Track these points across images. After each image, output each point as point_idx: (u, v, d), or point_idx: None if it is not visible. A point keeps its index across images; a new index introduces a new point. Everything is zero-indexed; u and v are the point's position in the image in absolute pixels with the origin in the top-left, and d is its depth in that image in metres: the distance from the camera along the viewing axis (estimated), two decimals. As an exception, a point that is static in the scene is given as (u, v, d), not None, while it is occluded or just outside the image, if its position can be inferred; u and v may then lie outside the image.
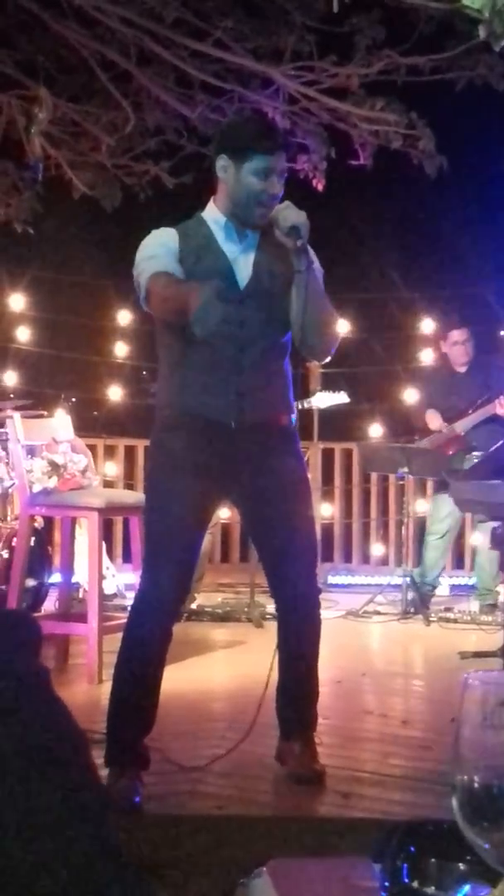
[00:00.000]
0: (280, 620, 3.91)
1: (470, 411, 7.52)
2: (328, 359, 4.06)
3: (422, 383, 8.17)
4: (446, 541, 7.72)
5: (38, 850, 1.08)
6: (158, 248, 3.67)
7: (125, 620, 3.85)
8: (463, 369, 7.75)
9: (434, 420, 7.66)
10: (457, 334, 7.74)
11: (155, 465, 3.83)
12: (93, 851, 1.13)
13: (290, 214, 3.60)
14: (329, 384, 9.75)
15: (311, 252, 3.70)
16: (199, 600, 7.46)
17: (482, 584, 7.65)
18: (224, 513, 8.37)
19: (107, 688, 4.92)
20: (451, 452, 7.48)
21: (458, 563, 8.80)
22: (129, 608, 3.79)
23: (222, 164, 3.70)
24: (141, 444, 7.33)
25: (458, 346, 7.71)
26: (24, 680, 1.21)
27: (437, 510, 7.64)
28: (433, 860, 1.16)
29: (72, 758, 1.19)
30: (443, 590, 8.14)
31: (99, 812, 1.19)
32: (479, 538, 7.72)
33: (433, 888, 1.15)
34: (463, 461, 7.27)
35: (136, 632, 3.72)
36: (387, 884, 1.17)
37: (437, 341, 8.28)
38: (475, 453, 7.29)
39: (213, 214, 3.78)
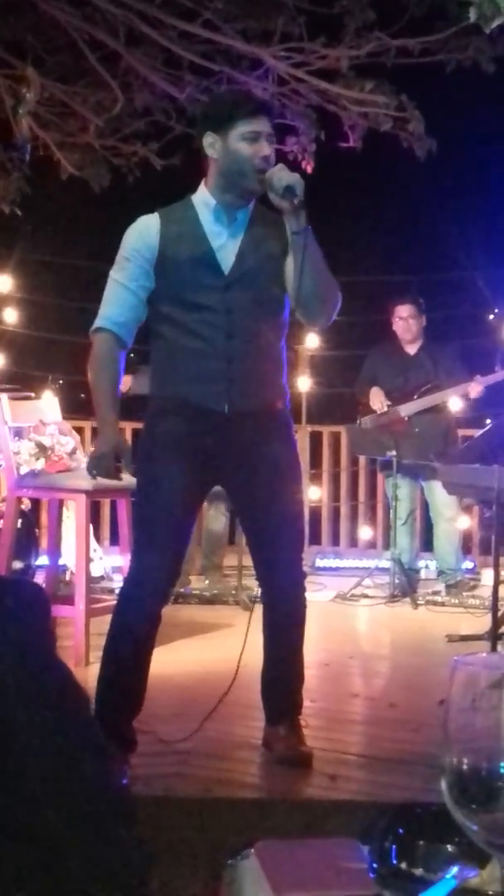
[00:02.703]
0: (265, 605, 3.92)
1: (416, 396, 7.49)
2: (328, 324, 4.08)
3: (371, 358, 8.02)
4: (409, 524, 7.74)
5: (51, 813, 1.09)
6: (132, 252, 3.73)
7: (113, 603, 3.85)
8: (413, 350, 7.71)
9: (376, 398, 7.61)
10: (401, 309, 7.68)
11: (145, 450, 3.80)
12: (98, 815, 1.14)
13: (284, 175, 3.59)
14: (317, 367, 9.76)
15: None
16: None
17: (443, 564, 7.65)
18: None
19: (94, 670, 4.93)
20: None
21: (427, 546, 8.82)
22: (117, 590, 3.79)
23: (209, 141, 3.69)
24: (129, 427, 7.31)
25: (401, 322, 7.67)
26: (37, 644, 1.22)
27: (396, 500, 7.54)
28: (421, 842, 1.16)
29: (77, 717, 1.19)
30: (430, 573, 8.15)
31: (105, 773, 1.20)
32: (437, 518, 7.68)
33: (421, 870, 1.15)
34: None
35: (125, 616, 3.73)
36: (375, 865, 1.17)
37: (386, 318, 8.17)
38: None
39: (202, 197, 3.77)
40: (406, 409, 7.48)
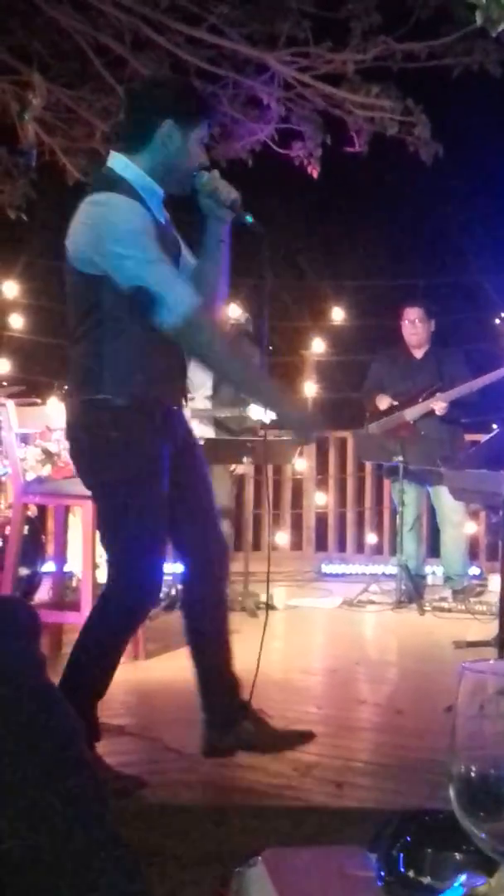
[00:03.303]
0: (188, 605, 3.88)
1: (420, 399, 7.46)
2: None
3: (377, 362, 7.97)
4: (416, 531, 7.72)
5: (29, 839, 1.07)
6: (145, 227, 3.44)
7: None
8: (419, 354, 7.69)
9: (383, 401, 7.61)
10: (409, 312, 7.65)
11: (133, 460, 3.54)
12: (85, 840, 1.12)
13: (231, 189, 3.57)
14: (323, 372, 9.77)
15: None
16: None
17: (449, 569, 7.65)
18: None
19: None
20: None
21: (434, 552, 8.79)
22: (118, 584, 3.68)
23: (166, 130, 3.48)
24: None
25: (408, 325, 7.65)
26: (16, 668, 1.19)
27: (404, 505, 7.53)
28: (429, 850, 1.16)
29: (63, 747, 1.16)
30: (437, 579, 8.13)
31: (91, 801, 1.17)
32: (443, 524, 7.68)
33: (429, 878, 1.15)
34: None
35: (130, 617, 3.70)
36: (382, 873, 1.16)
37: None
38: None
39: (145, 183, 3.51)
40: (411, 414, 7.45)
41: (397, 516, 7.69)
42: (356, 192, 11.56)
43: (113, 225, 3.41)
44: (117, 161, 3.53)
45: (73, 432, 3.65)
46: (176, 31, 7.60)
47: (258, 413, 7.78)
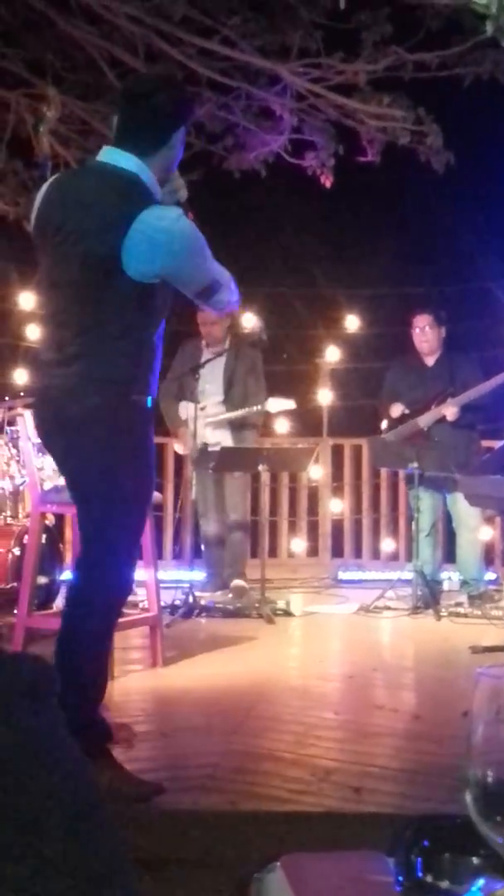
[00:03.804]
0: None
1: (433, 406, 7.45)
2: None
3: (391, 371, 7.98)
4: (433, 536, 7.73)
5: None
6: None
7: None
8: (431, 361, 7.69)
9: (396, 409, 7.62)
10: (419, 319, 7.65)
11: (136, 451, 3.59)
12: None
13: (184, 185, 3.72)
14: (338, 380, 9.78)
15: None
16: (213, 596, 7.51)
17: (466, 575, 7.64)
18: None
19: (118, 684, 4.96)
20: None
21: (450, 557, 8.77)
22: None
23: (180, 136, 3.60)
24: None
25: (418, 332, 7.64)
26: (45, 744, 1.15)
27: (419, 511, 7.54)
28: (447, 854, 1.17)
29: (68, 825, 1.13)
30: (453, 585, 8.13)
31: (119, 864, 1.15)
32: (460, 528, 7.68)
33: (447, 882, 1.16)
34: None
35: (113, 612, 3.69)
36: (401, 878, 1.18)
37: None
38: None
39: (153, 186, 3.58)
40: (424, 421, 7.44)
41: (413, 522, 7.70)
42: (369, 200, 11.56)
43: (193, 241, 3.52)
44: (132, 162, 3.53)
45: (86, 426, 3.56)
46: (189, 44, 7.63)
47: (276, 405, 7.82)
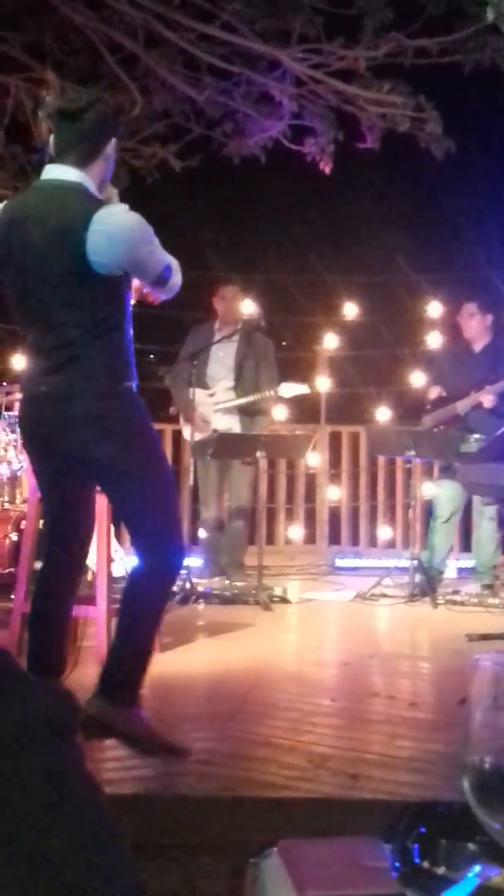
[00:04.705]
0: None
1: (472, 392, 7.44)
2: None
3: (438, 356, 8.03)
4: (451, 524, 7.72)
5: None
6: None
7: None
8: (478, 348, 7.66)
9: (433, 392, 7.63)
10: (465, 307, 7.67)
11: (152, 433, 3.98)
12: None
13: (117, 195, 4.03)
14: (336, 368, 9.76)
15: None
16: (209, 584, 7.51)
17: (481, 564, 7.65)
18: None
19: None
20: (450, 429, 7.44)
21: (466, 546, 8.76)
22: (160, 564, 3.90)
23: (111, 147, 3.90)
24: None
25: (463, 320, 7.65)
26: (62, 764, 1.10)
27: (441, 494, 7.64)
28: (444, 841, 1.16)
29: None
30: (450, 572, 8.14)
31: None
32: (479, 517, 7.70)
33: (444, 868, 1.15)
34: (460, 444, 7.26)
35: (172, 581, 4.15)
36: (397, 864, 1.17)
37: (447, 317, 8.12)
38: (474, 436, 7.25)
39: (98, 196, 3.90)
40: (462, 406, 7.42)
41: (409, 510, 7.69)
42: (368, 186, 11.55)
43: (145, 229, 3.82)
44: (74, 174, 3.83)
45: (100, 421, 3.80)
46: (189, 28, 7.60)
47: (289, 390, 7.81)
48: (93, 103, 3.86)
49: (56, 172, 3.85)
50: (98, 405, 3.78)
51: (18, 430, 5.95)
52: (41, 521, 6.06)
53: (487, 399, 7.27)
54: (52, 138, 3.87)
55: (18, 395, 6.01)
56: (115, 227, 3.72)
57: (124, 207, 3.84)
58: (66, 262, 3.71)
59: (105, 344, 3.79)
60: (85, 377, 3.77)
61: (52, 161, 3.87)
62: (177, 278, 3.97)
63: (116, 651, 3.90)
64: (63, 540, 4.13)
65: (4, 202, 4.03)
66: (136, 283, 3.97)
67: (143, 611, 3.92)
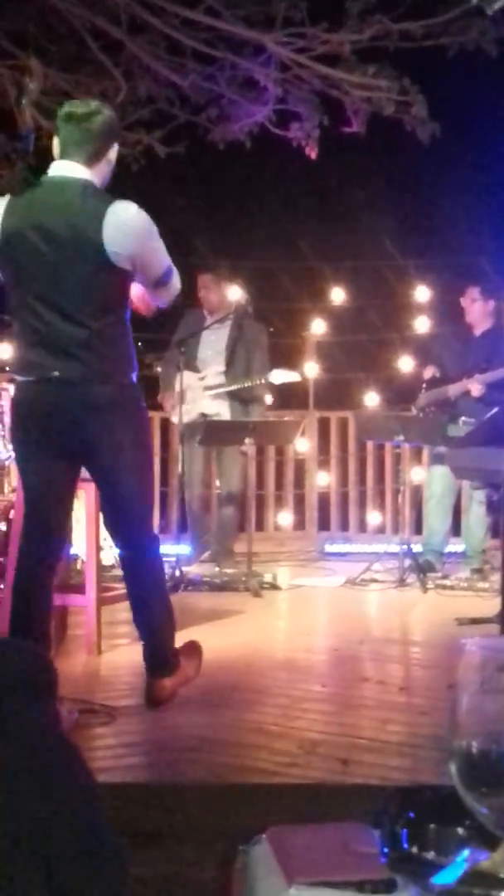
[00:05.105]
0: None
1: (464, 378, 7.43)
2: None
3: (439, 339, 8.03)
4: (444, 505, 7.71)
5: None
6: None
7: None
8: (478, 332, 7.64)
9: (428, 371, 7.64)
10: (474, 291, 7.64)
11: (148, 423, 4.39)
12: None
13: None
14: (323, 353, 9.75)
15: None
16: (198, 569, 7.50)
17: (470, 548, 7.66)
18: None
19: (106, 658, 4.99)
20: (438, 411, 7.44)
21: (456, 530, 8.76)
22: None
23: (115, 152, 4.17)
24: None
25: (465, 303, 7.64)
26: (33, 731, 1.11)
27: (430, 478, 7.68)
28: (432, 825, 1.16)
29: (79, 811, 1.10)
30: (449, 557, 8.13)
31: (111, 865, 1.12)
32: (469, 501, 7.72)
33: (433, 853, 1.15)
34: (448, 427, 7.26)
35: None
36: (386, 849, 1.17)
37: (435, 301, 8.10)
38: (463, 419, 7.24)
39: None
40: (453, 390, 7.42)
41: (399, 495, 7.69)
42: (355, 171, 11.53)
43: (153, 227, 4.06)
44: (83, 171, 4.06)
45: (114, 409, 4.05)
46: (172, 14, 7.57)
47: (280, 377, 7.79)
48: (100, 109, 4.11)
49: (66, 168, 4.06)
50: (114, 393, 4.03)
51: (8, 417, 5.93)
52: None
53: (475, 388, 7.27)
54: (57, 140, 4.12)
55: (5, 385, 5.99)
56: (130, 219, 3.96)
57: (137, 206, 4.01)
58: (84, 251, 3.91)
59: (117, 335, 4.03)
60: (100, 364, 3.99)
61: (59, 160, 4.11)
62: (175, 282, 4.19)
63: (149, 627, 4.25)
64: (44, 526, 4.25)
65: (9, 197, 4.18)
66: (133, 291, 4.13)
67: (156, 581, 4.29)
